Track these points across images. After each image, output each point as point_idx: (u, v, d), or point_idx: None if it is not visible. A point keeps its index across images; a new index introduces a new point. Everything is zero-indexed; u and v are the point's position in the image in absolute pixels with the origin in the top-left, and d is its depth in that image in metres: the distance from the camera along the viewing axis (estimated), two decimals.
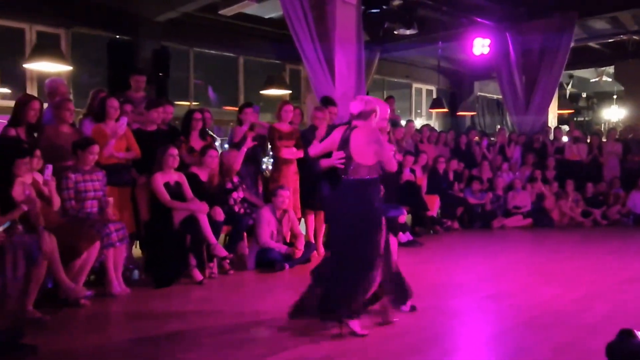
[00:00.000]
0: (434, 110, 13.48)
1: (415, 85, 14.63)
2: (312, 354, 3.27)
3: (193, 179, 5.30)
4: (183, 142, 5.64)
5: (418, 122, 12.72)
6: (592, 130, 15.18)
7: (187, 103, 10.29)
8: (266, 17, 10.53)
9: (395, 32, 10.28)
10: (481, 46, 10.87)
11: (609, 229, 9.03)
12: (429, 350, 3.34)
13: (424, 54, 12.70)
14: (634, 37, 12.51)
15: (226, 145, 6.86)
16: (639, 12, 11.00)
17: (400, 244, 4.47)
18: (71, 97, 6.55)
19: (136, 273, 5.09)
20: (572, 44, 10.64)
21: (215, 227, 5.15)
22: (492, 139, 11.48)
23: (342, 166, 3.63)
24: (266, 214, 5.67)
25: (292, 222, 5.88)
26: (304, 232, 6.15)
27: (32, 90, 8.15)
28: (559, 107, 13.29)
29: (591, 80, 17.05)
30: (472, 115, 14.57)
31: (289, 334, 3.62)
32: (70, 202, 4.45)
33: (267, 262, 5.55)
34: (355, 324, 3.50)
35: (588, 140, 10.52)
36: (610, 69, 15.36)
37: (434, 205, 8.49)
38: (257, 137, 6.18)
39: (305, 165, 6.16)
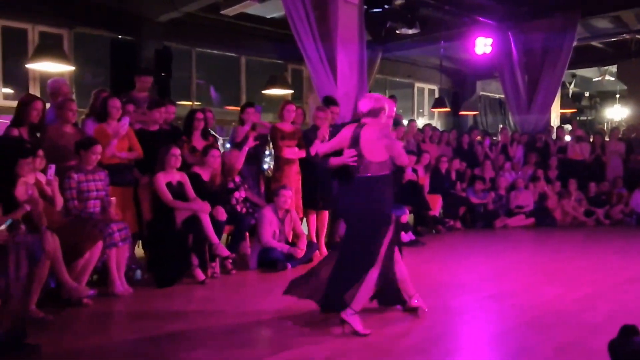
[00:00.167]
0: (436, 110, 13.47)
1: (417, 85, 14.62)
2: (314, 353, 3.27)
3: (195, 179, 5.31)
4: (185, 142, 5.65)
5: (420, 122, 12.73)
6: (595, 129, 15.14)
7: (189, 103, 10.30)
8: (268, 17, 10.53)
9: (398, 32, 10.28)
10: (483, 45, 10.84)
11: (611, 229, 9.01)
12: (432, 350, 3.34)
13: (426, 53, 12.68)
14: (637, 36, 12.47)
15: (228, 145, 6.86)
16: None
17: (403, 244, 4.49)
18: (74, 97, 6.57)
19: (139, 273, 5.09)
20: (574, 43, 10.61)
21: (218, 226, 5.16)
22: (494, 138, 11.46)
23: (355, 164, 3.63)
24: (268, 214, 5.67)
25: (294, 221, 5.88)
26: (306, 232, 6.16)
27: (34, 90, 8.17)
28: (562, 107, 13.27)
29: (594, 80, 17.01)
30: (474, 115, 14.55)
31: (291, 333, 3.63)
32: (72, 202, 4.46)
33: (269, 261, 5.56)
34: (357, 323, 3.51)
35: (591, 140, 10.51)
36: (613, 68, 15.32)
37: (436, 204, 8.49)
38: (259, 137, 6.18)
39: (308, 165, 6.17)
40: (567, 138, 10.79)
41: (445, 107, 12.11)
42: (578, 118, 17.48)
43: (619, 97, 17.32)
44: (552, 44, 10.46)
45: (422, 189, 8.21)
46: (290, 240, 5.87)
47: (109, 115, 5.09)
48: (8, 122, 4.75)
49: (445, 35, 11.09)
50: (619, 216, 9.40)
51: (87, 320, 4.04)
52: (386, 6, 8.98)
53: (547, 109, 10.89)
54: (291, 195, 5.79)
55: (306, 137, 6.17)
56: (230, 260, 5.32)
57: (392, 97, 9.32)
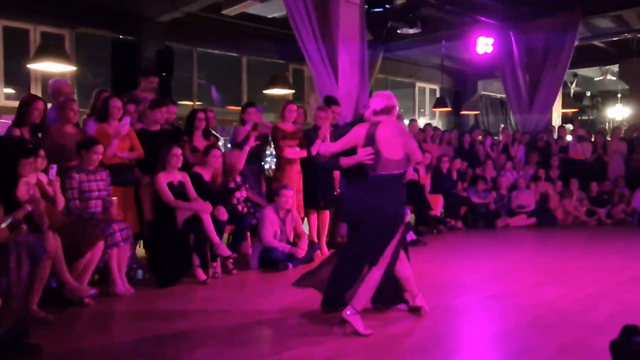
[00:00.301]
0: (437, 110, 13.46)
1: (418, 85, 14.60)
2: (315, 353, 3.27)
3: (196, 179, 5.31)
4: (186, 142, 5.65)
5: (421, 122, 12.72)
6: (597, 129, 15.10)
7: (191, 103, 10.30)
8: (269, 16, 10.53)
9: (399, 31, 10.26)
10: (485, 45, 10.83)
11: (613, 228, 9.00)
12: (433, 350, 3.33)
13: (427, 53, 12.68)
14: (639, 35, 12.45)
15: (229, 145, 6.87)
16: None
17: (408, 244, 4.51)
18: (75, 97, 6.56)
19: (140, 273, 5.10)
20: (576, 43, 10.59)
21: (219, 226, 5.16)
22: (495, 138, 11.45)
23: (371, 162, 3.61)
24: (269, 214, 5.67)
25: (296, 221, 5.88)
26: (307, 232, 6.16)
27: (36, 90, 8.17)
28: (563, 106, 13.26)
29: (595, 79, 16.97)
30: (475, 115, 14.54)
31: (293, 333, 3.63)
32: (74, 202, 4.46)
33: (271, 261, 5.55)
34: (358, 323, 3.50)
35: (592, 139, 10.49)
36: (615, 68, 15.28)
37: (437, 204, 8.48)
38: (260, 137, 6.18)
39: (310, 165, 6.17)
40: (569, 138, 10.77)
41: (447, 106, 12.08)
42: (579, 118, 17.46)
43: (621, 96, 17.29)
44: (554, 44, 10.44)
45: (424, 188, 8.21)
46: (291, 240, 5.86)
47: (110, 115, 5.09)
48: (10, 122, 4.75)
49: (446, 34, 11.08)
50: (621, 216, 9.39)
51: (88, 320, 4.04)
52: (387, 6, 8.96)
53: (548, 109, 10.87)
54: (292, 195, 5.79)
55: (307, 137, 6.17)
56: (232, 260, 5.32)
57: None
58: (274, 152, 6.59)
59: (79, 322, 3.99)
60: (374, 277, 3.59)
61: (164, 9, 9.03)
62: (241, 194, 5.77)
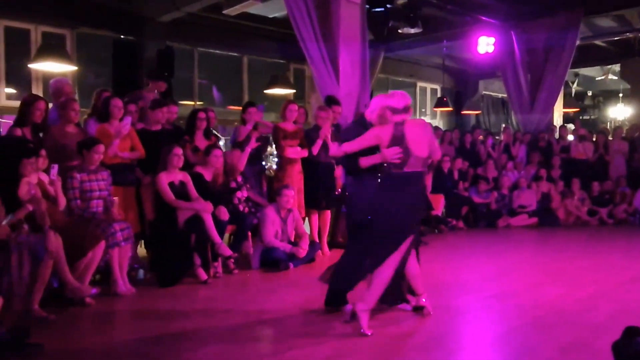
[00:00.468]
0: (438, 109, 13.45)
1: (419, 84, 14.59)
2: (317, 352, 3.27)
3: (197, 179, 5.31)
4: (187, 142, 5.65)
5: None
6: (598, 128, 15.08)
7: (192, 103, 10.31)
8: (270, 16, 10.53)
9: (400, 31, 10.25)
10: (486, 45, 10.83)
11: (615, 228, 8.99)
12: (434, 350, 3.33)
13: (428, 52, 12.66)
14: None
15: (230, 145, 6.87)
16: None
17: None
18: (76, 97, 6.57)
19: (141, 272, 5.10)
20: (577, 42, 10.58)
21: (220, 226, 5.16)
22: (497, 137, 11.45)
23: (399, 161, 3.61)
24: (270, 214, 5.67)
25: (297, 221, 5.88)
26: (308, 232, 6.16)
27: (37, 90, 8.18)
28: (565, 106, 13.23)
29: (597, 79, 16.94)
30: (477, 114, 14.53)
31: (294, 333, 3.63)
32: (75, 202, 4.47)
33: (272, 261, 5.56)
34: (365, 321, 3.49)
35: (594, 139, 10.47)
36: (616, 67, 15.25)
37: (438, 204, 8.48)
38: (261, 137, 6.18)
39: (311, 165, 6.18)
40: (570, 137, 10.75)
41: (448, 106, 12.07)
42: (581, 117, 17.42)
43: (622, 96, 17.25)
44: (555, 43, 10.42)
45: (425, 188, 8.19)
46: (292, 239, 5.87)
47: (111, 115, 5.09)
48: (11, 122, 4.76)
49: (447, 34, 11.08)
50: (623, 215, 9.38)
51: (89, 320, 4.04)
52: (388, 5, 8.97)
53: (549, 108, 10.86)
54: (293, 194, 5.79)
55: (308, 137, 6.18)
56: (233, 260, 5.32)
57: None
58: (276, 153, 6.59)
59: (80, 321, 3.99)
60: (385, 274, 3.57)
61: (165, 9, 9.03)
62: (242, 194, 5.77)
